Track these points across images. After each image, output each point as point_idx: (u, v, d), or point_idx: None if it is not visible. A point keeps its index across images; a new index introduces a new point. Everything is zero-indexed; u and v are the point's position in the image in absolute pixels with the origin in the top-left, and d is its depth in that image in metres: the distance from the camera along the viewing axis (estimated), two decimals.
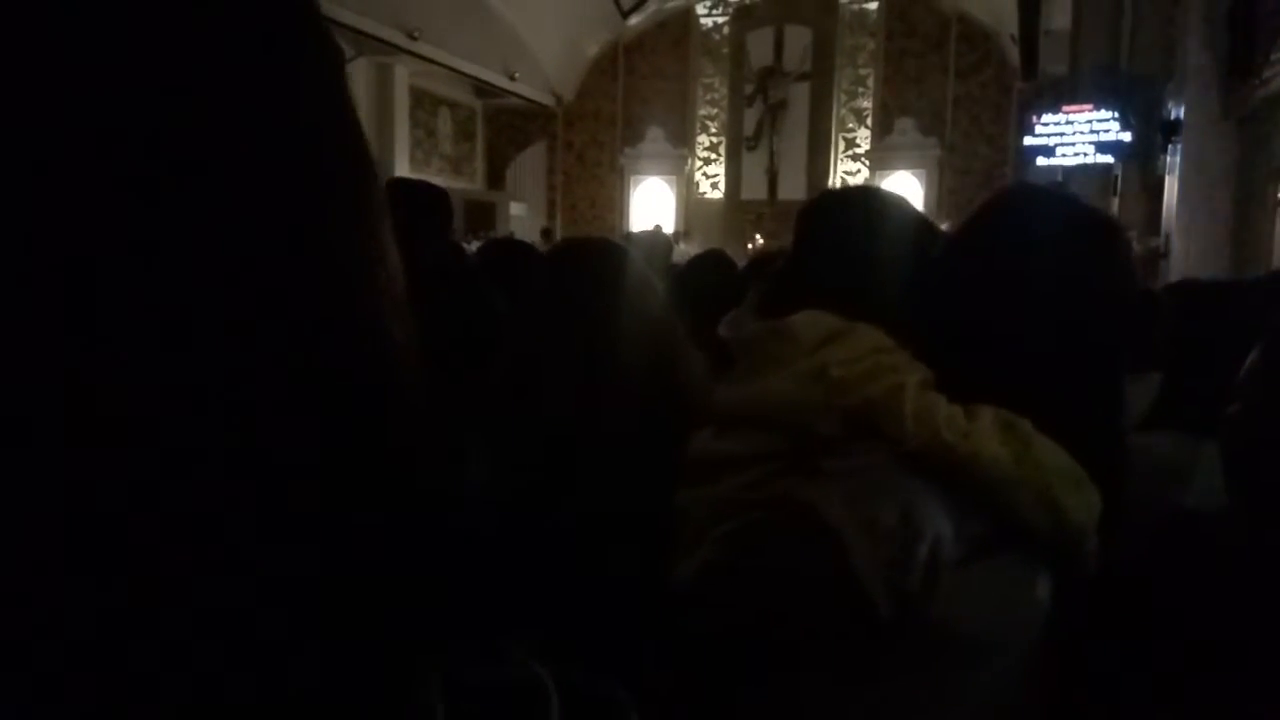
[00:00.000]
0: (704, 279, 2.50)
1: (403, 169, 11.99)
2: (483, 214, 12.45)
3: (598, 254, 1.33)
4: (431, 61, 11.83)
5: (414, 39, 11.22)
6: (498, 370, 1.25)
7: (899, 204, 1.16)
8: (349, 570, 0.29)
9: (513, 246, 3.01)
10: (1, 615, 0.23)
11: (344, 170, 0.31)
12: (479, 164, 14.86)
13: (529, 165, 15.23)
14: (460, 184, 13.80)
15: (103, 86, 0.23)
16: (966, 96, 13.45)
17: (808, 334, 0.94)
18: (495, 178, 14.95)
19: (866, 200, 1.20)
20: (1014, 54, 11.56)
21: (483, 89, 13.84)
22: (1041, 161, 9.01)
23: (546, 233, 12.10)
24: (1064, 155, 8.62)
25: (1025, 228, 0.98)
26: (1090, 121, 8.30)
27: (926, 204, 12.51)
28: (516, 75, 13.59)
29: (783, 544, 0.88)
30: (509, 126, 15.06)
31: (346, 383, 0.30)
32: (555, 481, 1.11)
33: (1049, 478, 0.85)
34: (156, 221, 0.24)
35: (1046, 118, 8.75)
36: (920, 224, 1.14)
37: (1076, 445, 0.88)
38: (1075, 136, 8.43)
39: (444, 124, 13.80)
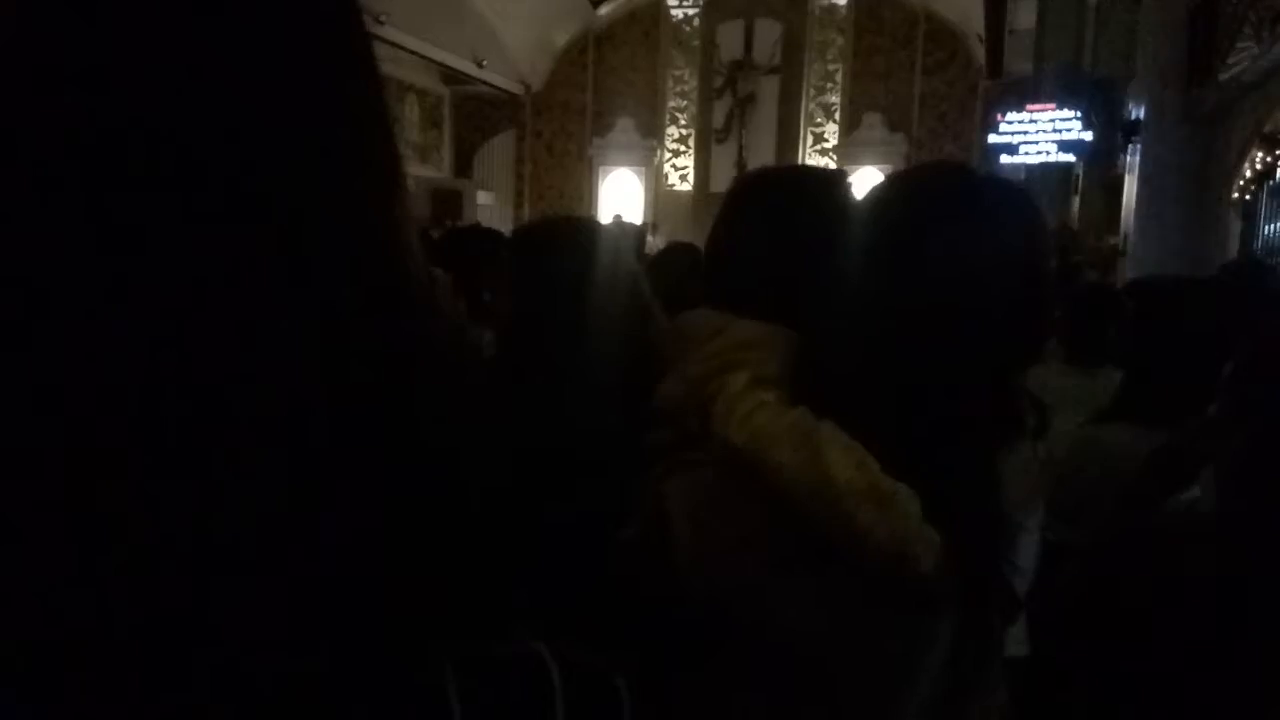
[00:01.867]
0: (674, 273, 2.49)
1: None
2: (450, 202, 12.33)
3: (572, 230, 1.33)
4: (398, 47, 11.67)
5: (380, 23, 11.06)
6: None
7: (830, 188, 1.08)
8: (369, 554, 0.30)
9: (480, 235, 2.98)
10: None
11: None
12: (446, 152, 14.71)
13: (497, 154, 15.11)
14: (427, 172, 13.66)
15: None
16: (933, 94, 13.58)
17: (692, 332, 0.95)
18: (463, 166, 14.82)
19: (791, 185, 1.11)
20: (980, 52, 11.69)
21: (450, 76, 13.70)
22: (1005, 159, 9.13)
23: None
24: (1027, 153, 8.74)
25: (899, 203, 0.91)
26: (1053, 120, 8.43)
27: None
28: (485, 63, 13.46)
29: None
30: (477, 115, 14.92)
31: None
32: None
33: (837, 491, 0.77)
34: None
35: (1010, 116, 8.86)
36: (851, 211, 1.05)
37: (941, 454, 0.80)
38: (1038, 135, 8.55)
39: (411, 111, 13.63)
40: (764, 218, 1.04)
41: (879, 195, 0.92)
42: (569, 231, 1.30)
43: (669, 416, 0.94)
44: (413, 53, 12.04)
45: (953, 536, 0.78)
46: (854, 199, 1.05)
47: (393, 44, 11.54)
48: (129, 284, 0.26)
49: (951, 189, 0.87)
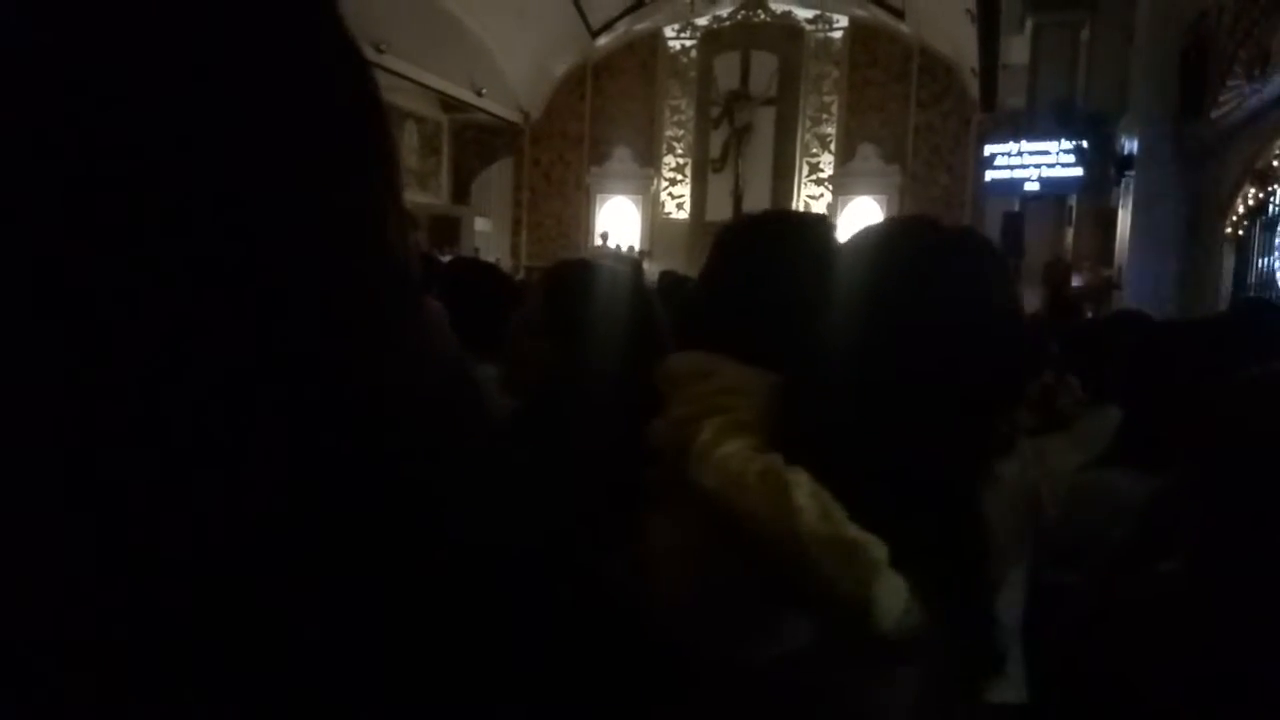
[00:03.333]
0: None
1: None
2: (447, 229, 12.38)
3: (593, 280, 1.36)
4: (398, 75, 11.77)
5: (381, 52, 11.15)
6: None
7: (815, 235, 1.10)
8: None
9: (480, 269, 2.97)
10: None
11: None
12: (444, 179, 14.78)
13: (495, 181, 15.18)
14: (426, 198, 13.71)
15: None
16: (927, 126, 13.70)
17: (681, 374, 0.97)
18: (461, 193, 14.88)
19: (775, 231, 1.13)
20: (974, 86, 11.81)
21: (449, 104, 13.79)
22: (999, 193, 9.21)
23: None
24: (1021, 187, 8.82)
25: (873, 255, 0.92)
26: (1046, 154, 8.51)
27: None
28: (484, 91, 13.57)
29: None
30: (475, 142, 15.00)
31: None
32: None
33: (801, 541, 0.77)
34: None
35: (1004, 149, 8.95)
36: (834, 257, 1.05)
37: (922, 499, 0.80)
38: (1032, 169, 8.63)
39: (410, 138, 13.71)
40: (749, 263, 1.07)
41: (856, 250, 0.94)
42: (606, 280, 1.33)
43: (658, 455, 0.95)
44: (413, 81, 12.13)
45: (927, 583, 0.78)
46: (835, 245, 1.07)
47: (393, 72, 11.64)
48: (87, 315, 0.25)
49: (921, 245, 0.90)
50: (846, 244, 0.97)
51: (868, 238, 0.95)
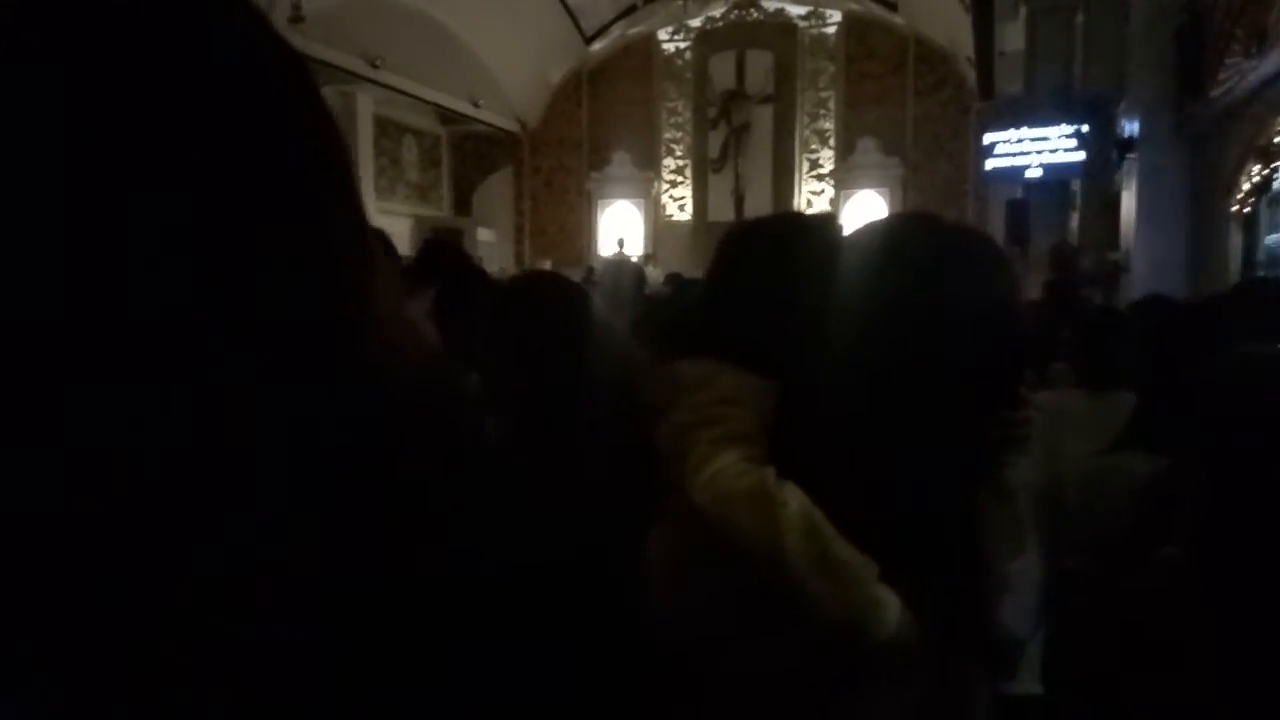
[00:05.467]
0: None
1: (368, 197, 11.92)
2: (451, 241, 12.38)
3: (552, 297, 1.31)
4: (395, 90, 11.80)
5: (376, 67, 11.19)
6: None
7: (818, 239, 1.09)
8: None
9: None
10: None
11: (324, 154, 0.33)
12: (445, 191, 14.81)
13: (496, 191, 15.21)
14: (428, 211, 13.74)
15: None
16: (926, 116, 13.68)
17: (682, 381, 0.98)
18: (462, 204, 14.91)
19: (777, 237, 1.12)
20: (971, 75, 11.79)
21: (447, 116, 13.83)
22: (1000, 180, 9.18)
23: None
24: (1022, 174, 8.79)
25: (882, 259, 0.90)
26: (1047, 139, 8.48)
27: None
28: (481, 102, 13.60)
29: None
30: (475, 153, 15.04)
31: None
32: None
33: (788, 559, 0.77)
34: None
35: (1004, 136, 8.92)
36: (837, 259, 1.04)
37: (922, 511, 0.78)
38: (1033, 155, 8.60)
39: (409, 151, 13.75)
40: (751, 269, 1.07)
41: (856, 251, 0.94)
42: (561, 294, 1.29)
43: (663, 462, 0.95)
44: (409, 95, 12.17)
45: (923, 594, 0.78)
46: (839, 247, 1.06)
47: (390, 88, 11.67)
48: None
49: (922, 242, 0.89)
50: (847, 244, 0.96)
51: (867, 238, 0.94)
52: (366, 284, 0.34)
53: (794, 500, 0.80)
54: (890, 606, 0.77)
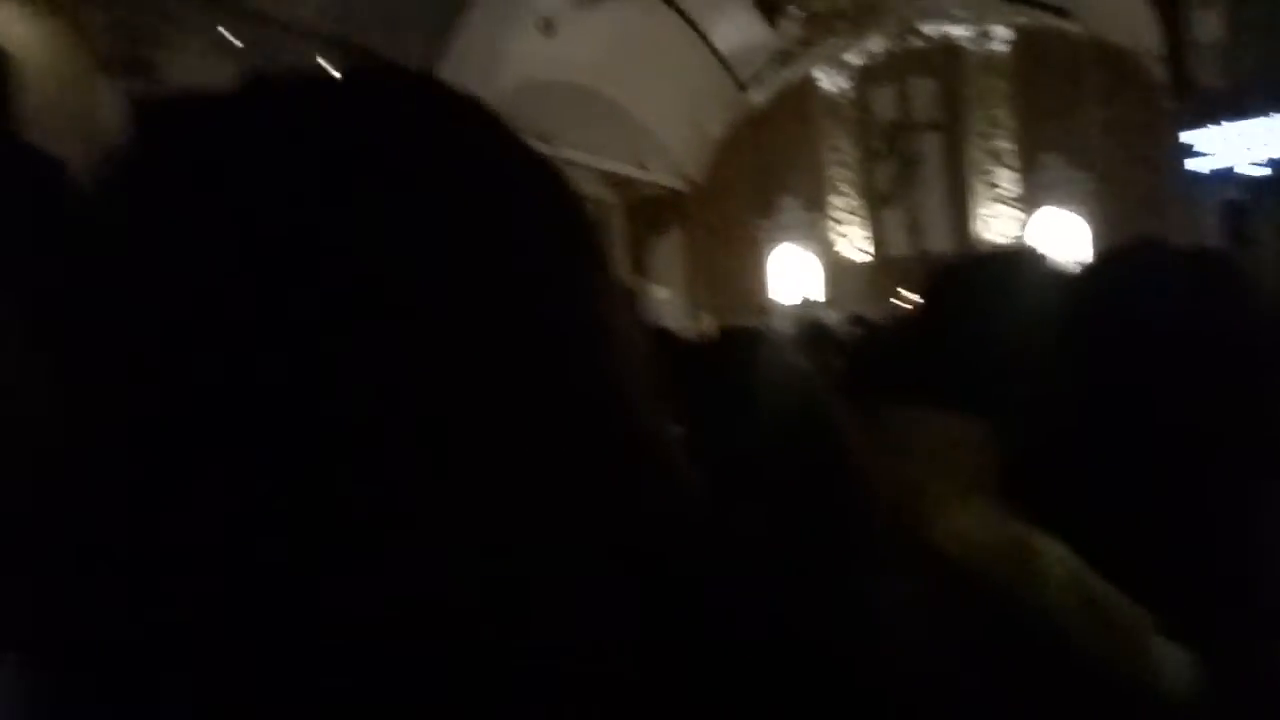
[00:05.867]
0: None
1: None
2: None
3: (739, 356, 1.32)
4: (569, 163, 12.35)
5: (548, 144, 11.78)
6: None
7: (1043, 275, 1.04)
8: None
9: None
10: None
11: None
12: (621, 255, 15.26)
13: (669, 250, 15.52)
14: None
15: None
16: (1114, 122, 12.79)
17: (902, 430, 0.96)
18: (637, 266, 15.30)
19: (997, 274, 1.07)
20: (1157, 72, 10.97)
21: (616, 181, 14.30)
22: (1205, 182, 8.44)
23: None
24: (1231, 172, 8.05)
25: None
26: (1261, 133, 7.74)
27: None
28: (647, 165, 13.99)
29: None
30: (645, 215, 15.45)
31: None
32: None
33: (1057, 612, 0.72)
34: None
35: (1205, 134, 8.22)
36: (1071, 298, 1.01)
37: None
38: (1245, 152, 7.86)
39: None
40: (960, 314, 1.04)
41: (1086, 287, 0.90)
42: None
43: (881, 505, 0.93)
44: (583, 166, 12.69)
45: (1202, 643, 0.72)
46: (1062, 283, 1.02)
47: (564, 161, 12.21)
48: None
49: (1167, 276, 0.85)
50: (1079, 282, 0.94)
51: (1109, 277, 0.91)
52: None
53: (1053, 550, 0.77)
54: (1176, 661, 0.72)
